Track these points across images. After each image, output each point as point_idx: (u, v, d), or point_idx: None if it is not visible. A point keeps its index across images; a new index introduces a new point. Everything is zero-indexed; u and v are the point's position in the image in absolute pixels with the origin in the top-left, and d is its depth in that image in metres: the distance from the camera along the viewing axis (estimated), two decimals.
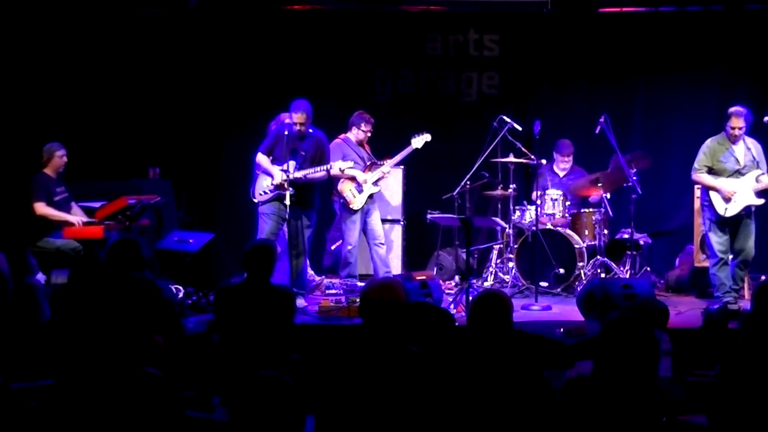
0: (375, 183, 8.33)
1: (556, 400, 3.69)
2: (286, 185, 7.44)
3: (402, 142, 8.55)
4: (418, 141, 8.43)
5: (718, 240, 7.69)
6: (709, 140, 7.77)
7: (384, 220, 8.73)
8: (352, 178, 8.22)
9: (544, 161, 8.67)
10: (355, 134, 8.38)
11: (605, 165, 8.80)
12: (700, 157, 7.75)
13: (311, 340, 5.72)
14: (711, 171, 7.70)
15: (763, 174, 7.60)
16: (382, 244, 8.38)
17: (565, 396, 3.61)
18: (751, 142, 7.71)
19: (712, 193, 7.67)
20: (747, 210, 7.62)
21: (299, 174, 7.53)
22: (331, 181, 8.29)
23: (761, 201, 7.61)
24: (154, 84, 9.76)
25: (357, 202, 8.24)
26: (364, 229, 8.34)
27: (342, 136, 8.43)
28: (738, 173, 7.64)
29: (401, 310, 3.92)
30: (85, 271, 5.09)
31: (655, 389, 3.57)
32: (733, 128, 7.60)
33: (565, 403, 3.60)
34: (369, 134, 8.41)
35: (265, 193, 7.70)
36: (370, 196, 8.33)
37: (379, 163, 8.41)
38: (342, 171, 7.91)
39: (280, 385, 2.94)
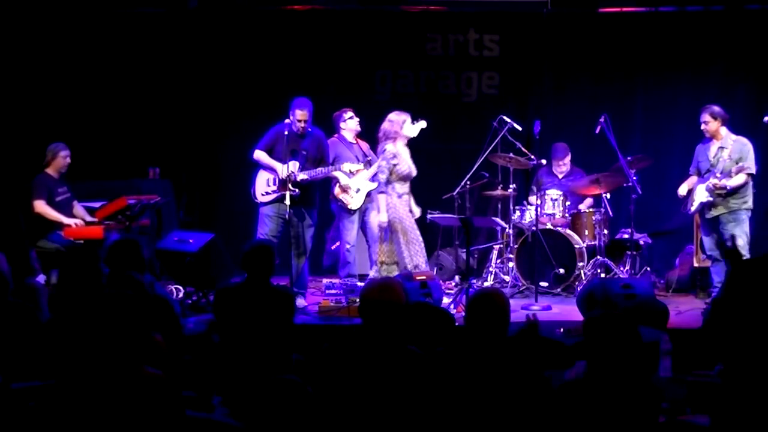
0: (372, 179, 7.91)
1: (554, 400, 3.68)
2: (290, 186, 7.41)
3: None
4: (414, 129, 7.72)
5: (705, 239, 7.85)
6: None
7: None
8: (345, 189, 7.97)
9: (544, 161, 8.68)
10: (347, 129, 8.24)
11: (605, 165, 8.79)
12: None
13: (311, 340, 5.72)
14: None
15: (719, 176, 7.54)
16: None
17: (560, 397, 3.60)
18: (732, 141, 7.64)
19: None
20: (699, 207, 7.67)
21: (304, 175, 7.50)
22: (328, 181, 8.25)
23: (708, 199, 7.58)
24: (154, 84, 9.77)
25: (354, 202, 8.05)
26: (363, 228, 8.18)
27: (336, 135, 8.30)
28: (709, 172, 7.68)
29: (401, 310, 3.92)
30: (75, 270, 5.05)
31: (648, 387, 3.56)
32: (700, 124, 7.68)
33: (561, 404, 3.59)
34: (356, 122, 8.15)
35: (267, 193, 7.66)
36: (368, 194, 8.06)
37: (373, 159, 8.03)
38: (351, 171, 7.79)
39: (299, 392, 2.93)
